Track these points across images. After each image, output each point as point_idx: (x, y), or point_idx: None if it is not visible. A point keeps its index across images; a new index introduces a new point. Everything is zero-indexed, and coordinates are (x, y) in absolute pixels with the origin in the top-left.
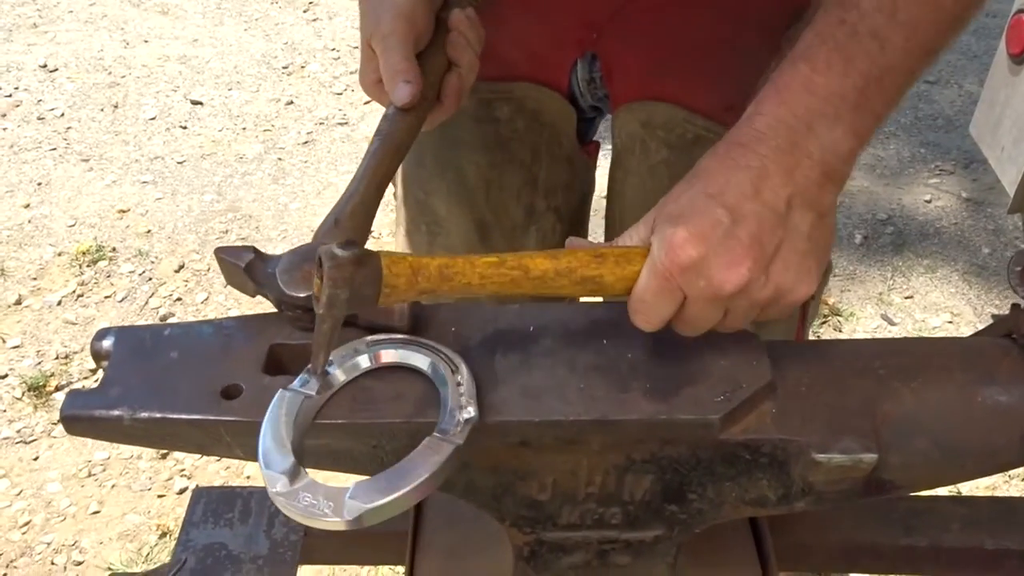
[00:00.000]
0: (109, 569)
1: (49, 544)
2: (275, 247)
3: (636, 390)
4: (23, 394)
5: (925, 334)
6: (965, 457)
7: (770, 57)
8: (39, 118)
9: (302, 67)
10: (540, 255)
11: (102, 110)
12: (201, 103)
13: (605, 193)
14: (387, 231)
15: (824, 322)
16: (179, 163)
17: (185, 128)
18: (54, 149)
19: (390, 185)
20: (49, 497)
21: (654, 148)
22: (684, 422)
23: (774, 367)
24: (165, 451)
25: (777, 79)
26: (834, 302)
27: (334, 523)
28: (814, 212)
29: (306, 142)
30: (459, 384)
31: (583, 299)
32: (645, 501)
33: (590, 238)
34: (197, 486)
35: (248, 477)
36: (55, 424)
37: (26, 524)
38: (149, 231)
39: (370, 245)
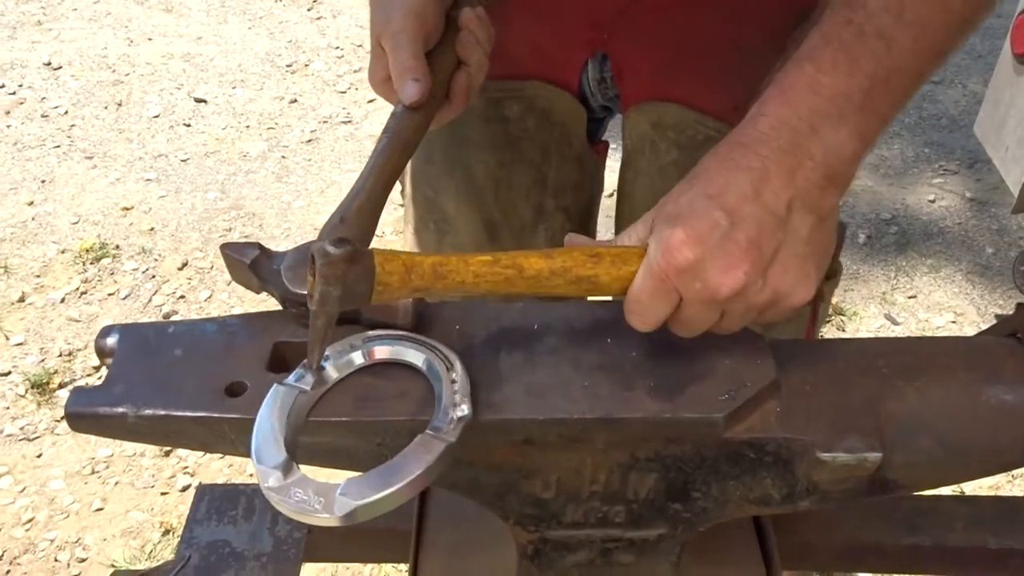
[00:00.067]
0: (112, 566)
1: (52, 541)
2: (278, 245)
3: (640, 388)
4: (26, 391)
5: (929, 334)
6: (969, 456)
7: (778, 57)
8: (43, 116)
9: (306, 65)
10: (535, 254)
11: (106, 108)
12: (205, 101)
13: (614, 192)
14: (390, 230)
15: (827, 321)
16: (183, 161)
17: (189, 126)
18: (58, 147)
19: (396, 183)
20: (52, 494)
21: (664, 149)
22: (688, 420)
23: (778, 366)
24: (168, 449)
25: (781, 79)
26: (837, 302)
27: (324, 519)
28: (815, 215)
29: (310, 140)
30: (454, 381)
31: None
32: (649, 499)
33: (600, 238)
34: (200, 484)
35: (251, 475)
36: (58, 421)
37: (29, 521)
38: (152, 229)
39: (373, 244)
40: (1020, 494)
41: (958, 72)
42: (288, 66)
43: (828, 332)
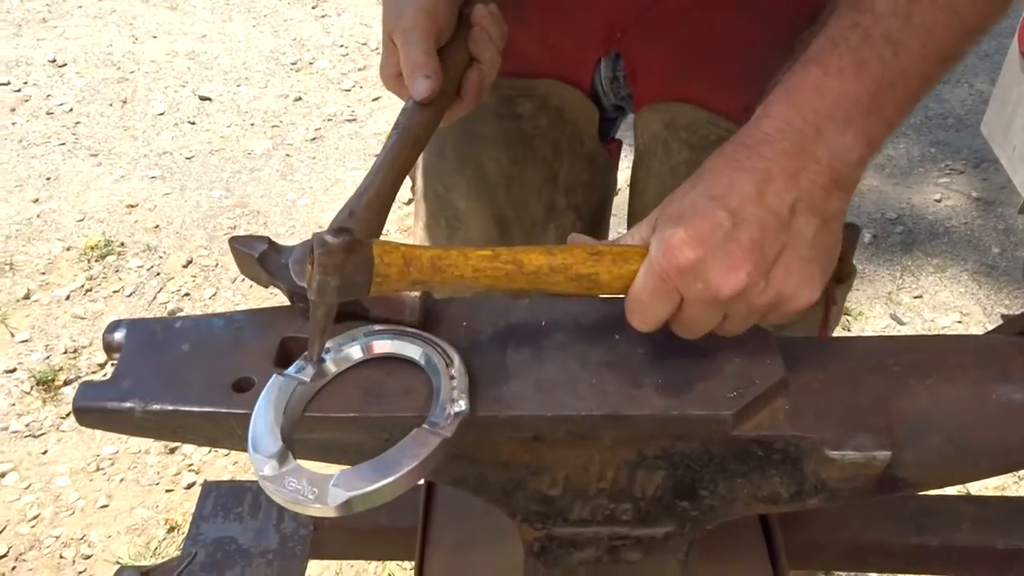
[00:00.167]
0: (118, 563)
1: (58, 538)
2: (283, 243)
3: (648, 386)
4: (32, 388)
5: (935, 333)
6: (979, 455)
7: (789, 59)
8: (48, 113)
9: (310, 63)
10: (536, 250)
11: (111, 105)
12: (209, 99)
13: (627, 192)
14: (395, 228)
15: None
16: (187, 159)
17: (193, 124)
18: (63, 144)
19: (406, 179)
20: (58, 491)
21: (676, 149)
22: (696, 418)
23: (787, 364)
24: (173, 446)
25: (788, 81)
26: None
27: (317, 509)
28: (819, 218)
29: (314, 138)
30: (452, 377)
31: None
32: (656, 497)
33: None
34: (206, 480)
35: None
36: (63, 418)
37: (35, 518)
38: (157, 226)
39: None
40: None
41: (964, 71)
42: (293, 64)
43: (833, 331)
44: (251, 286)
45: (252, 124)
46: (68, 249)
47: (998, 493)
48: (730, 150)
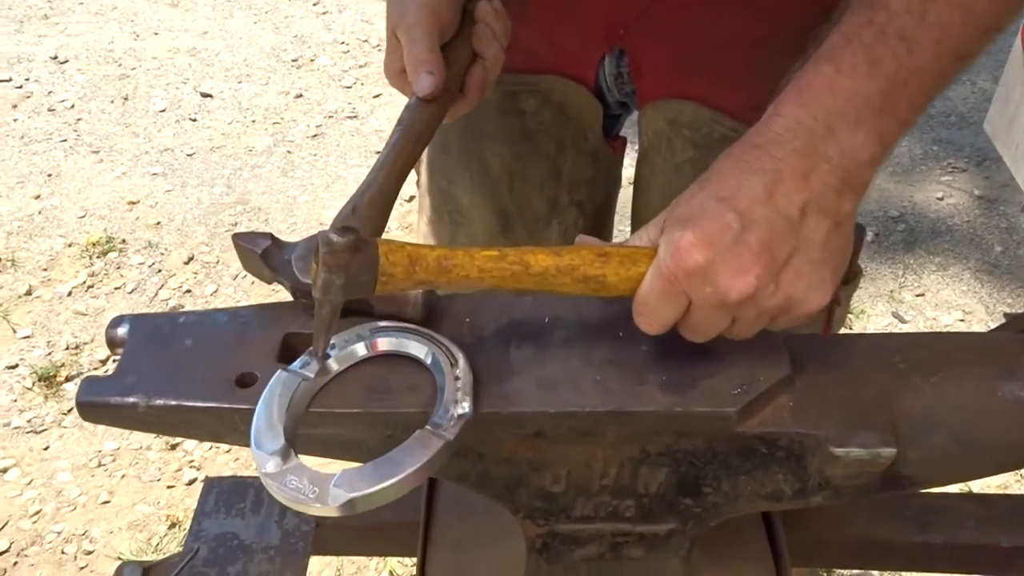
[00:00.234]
0: (119, 558)
1: (59, 533)
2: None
3: (652, 382)
4: (33, 384)
5: None
6: (984, 452)
7: (799, 58)
8: (49, 110)
9: (311, 60)
10: (543, 251)
11: (112, 102)
12: (211, 96)
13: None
14: (395, 225)
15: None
16: (189, 155)
17: (195, 120)
18: (64, 140)
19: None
20: (59, 486)
21: (680, 147)
22: (700, 414)
23: (792, 360)
24: (174, 442)
25: (799, 79)
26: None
27: (317, 509)
28: (830, 220)
29: (315, 135)
30: (457, 378)
31: None
32: (659, 494)
33: (617, 234)
34: (207, 477)
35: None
36: (65, 414)
37: (36, 513)
38: (159, 223)
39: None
40: None
41: (967, 69)
42: (294, 61)
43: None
44: (252, 283)
45: (253, 121)
46: (70, 245)
47: (1000, 491)
48: (739, 150)
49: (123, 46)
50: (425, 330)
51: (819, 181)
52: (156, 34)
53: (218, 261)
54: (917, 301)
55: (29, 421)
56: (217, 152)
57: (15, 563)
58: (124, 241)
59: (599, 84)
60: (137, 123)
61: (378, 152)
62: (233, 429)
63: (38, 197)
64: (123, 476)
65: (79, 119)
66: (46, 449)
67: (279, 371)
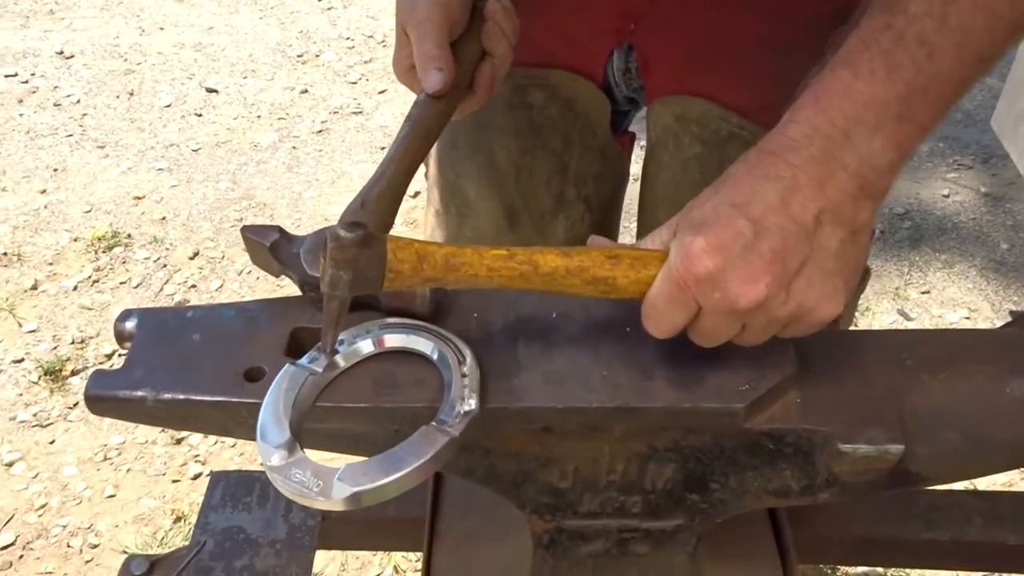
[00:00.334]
0: (124, 552)
1: (65, 527)
2: None
3: (660, 378)
4: (39, 378)
5: None
6: (993, 449)
7: (809, 58)
8: (55, 104)
9: (317, 56)
10: (552, 251)
11: (118, 97)
12: (216, 91)
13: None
14: (400, 220)
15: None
16: (194, 151)
17: (200, 116)
18: (70, 135)
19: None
20: (65, 480)
21: (687, 143)
22: (708, 410)
23: (800, 357)
24: (180, 436)
25: (816, 85)
26: None
27: (321, 503)
28: (846, 229)
29: (320, 131)
30: (464, 375)
31: None
32: (666, 490)
33: (623, 230)
34: (213, 471)
35: (263, 463)
36: (71, 408)
37: (42, 507)
38: (164, 218)
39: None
40: None
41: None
42: (299, 56)
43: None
44: (258, 278)
45: (258, 116)
46: (75, 240)
47: (1005, 488)
48: (755, 157)
49: (128, 41)
50: (433, 327)
51: (836, 189)
52: (162, 29)
53: (223, 256)
54: (923, 298)
55: (35, 415)
56: (222, 147)
57: (21, 556)
58: (129, 236)
59: (607, 79)
60: (142, 118)
61: (383, 148)
62: (241, 423)
63: (44, 192)
64: (128, 470)
65: (85, 114)
66: (52, 443)
67: (287, 365)
